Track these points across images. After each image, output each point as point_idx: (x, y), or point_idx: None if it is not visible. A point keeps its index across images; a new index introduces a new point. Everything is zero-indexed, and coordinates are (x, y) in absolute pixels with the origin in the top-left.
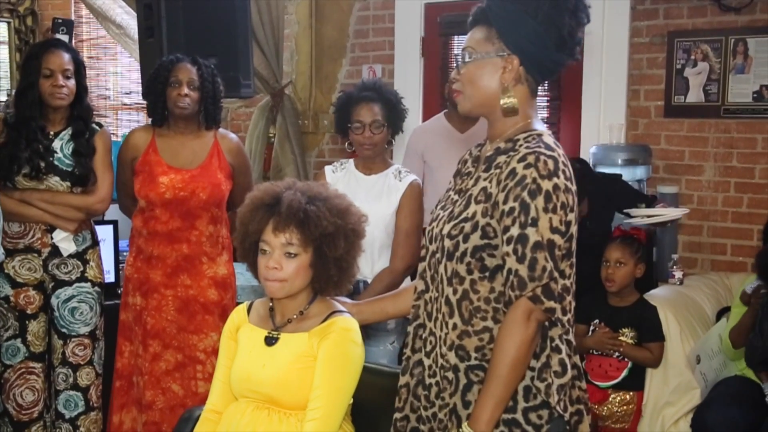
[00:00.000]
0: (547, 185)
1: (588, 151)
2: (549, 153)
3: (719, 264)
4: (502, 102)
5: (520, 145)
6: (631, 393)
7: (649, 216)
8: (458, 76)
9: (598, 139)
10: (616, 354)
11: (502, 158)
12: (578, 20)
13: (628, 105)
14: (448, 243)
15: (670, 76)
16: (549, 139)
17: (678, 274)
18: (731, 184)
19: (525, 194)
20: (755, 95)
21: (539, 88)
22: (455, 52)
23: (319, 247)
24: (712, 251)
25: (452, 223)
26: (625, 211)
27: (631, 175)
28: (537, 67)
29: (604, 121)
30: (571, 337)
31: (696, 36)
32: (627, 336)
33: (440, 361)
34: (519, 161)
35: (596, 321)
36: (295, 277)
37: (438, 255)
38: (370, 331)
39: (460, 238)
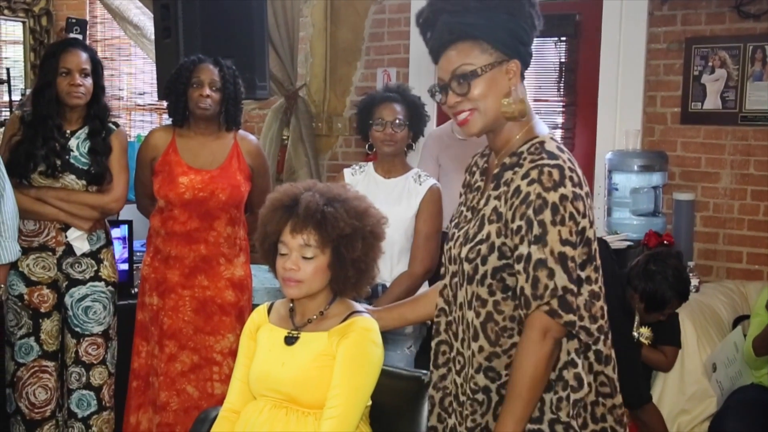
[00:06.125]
0: (552, 197)
1: (604, 157)
2: (552, 162)
3: (735, 272)
4: (503, 110)
5: (524, 159)
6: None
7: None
8: (466, 97)
9: (614, 145)
10: None
11: (508, 174)
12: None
13: (644, 111)
14: (467, 267)
15: (687, 83)
16: (551, 144)
17: (694, 282)
18: (748, 191)
19: (530, 211)
20: None
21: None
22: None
23: (336, 248)
24: (728, 259)
25: (468, 246)
26: None
27: (647, 181)
28: (526, 61)
29: (620, 127)
30: (601, 346)
31: (714, 42)
32: (643, 336)
33: (470, 383)
34: (522, 178)
35: None
36: (312, 279)
37: (458, 278)
38: (387, 336)
39: (479, 261)
